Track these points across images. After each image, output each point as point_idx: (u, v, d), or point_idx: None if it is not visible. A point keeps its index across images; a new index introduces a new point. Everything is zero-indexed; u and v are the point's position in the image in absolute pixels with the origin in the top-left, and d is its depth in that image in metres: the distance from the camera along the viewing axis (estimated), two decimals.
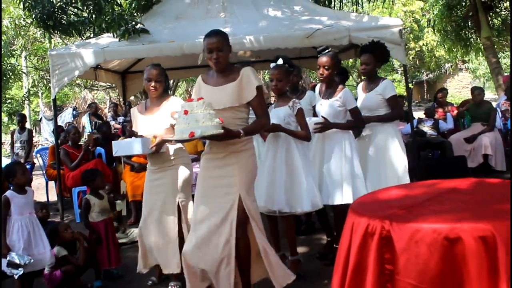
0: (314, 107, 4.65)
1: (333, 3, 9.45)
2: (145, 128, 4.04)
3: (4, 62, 11.40)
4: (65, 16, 7.37)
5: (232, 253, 3.28)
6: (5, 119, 29.16)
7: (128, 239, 5.46)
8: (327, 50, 4.21)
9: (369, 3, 13.78)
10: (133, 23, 6.42)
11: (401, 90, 30.64)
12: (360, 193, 3.90)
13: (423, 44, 20.74)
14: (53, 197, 7.84)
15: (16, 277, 3.81)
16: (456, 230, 1.99)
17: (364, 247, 2.23)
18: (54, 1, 7.18)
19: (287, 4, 7.14)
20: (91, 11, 6.94)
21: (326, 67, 4.16)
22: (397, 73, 30.09)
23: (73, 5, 7.34)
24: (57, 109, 12.71)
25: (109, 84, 13.66)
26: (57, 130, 6.96)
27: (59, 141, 7.07)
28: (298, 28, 6.38)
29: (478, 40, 12.31)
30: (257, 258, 3.44)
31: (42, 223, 4.40)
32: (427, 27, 17.68)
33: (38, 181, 10.24)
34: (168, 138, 3.81)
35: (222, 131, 3.07)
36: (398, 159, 4.38)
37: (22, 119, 9.48)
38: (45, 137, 19.04)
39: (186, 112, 3.04)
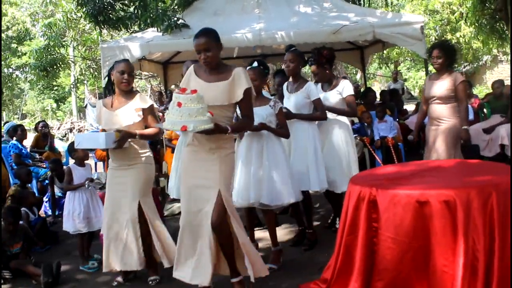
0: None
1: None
2: (109, 122, 4.03)
3: (55, 52, 12.28)
4: (113, 12, 8.07)
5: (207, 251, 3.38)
6: (54, 105, 30.74)
7: (169, 212, 6.09)
8: (292, 48, 4.63)
9: None
10: (175, 18, 7.05)
11: None
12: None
13: (460, 36, 20.62)
14: None
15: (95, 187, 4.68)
16: (425, 195, 2.56)
17: (357, 209, 2.82)
18: None
19: (317, 1, 7.62)
20: (137, 8, 7.59)
21: (291, 61, 4.56)
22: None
23: (121, 1, 8.02)
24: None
25: (151, 73, 14.45)
26: None
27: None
28: (326, 24, 6.88)
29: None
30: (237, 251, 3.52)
31: None
32: (460, 20, 17.68)
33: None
34: (131, 133, 3.85)
35: (213, 126, 3.12)
36: (349, 152, 4.72)
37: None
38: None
39: (179, 104, 3.05)
